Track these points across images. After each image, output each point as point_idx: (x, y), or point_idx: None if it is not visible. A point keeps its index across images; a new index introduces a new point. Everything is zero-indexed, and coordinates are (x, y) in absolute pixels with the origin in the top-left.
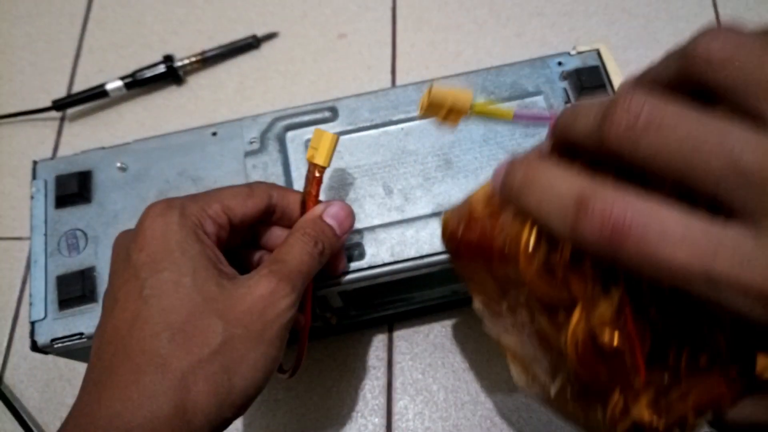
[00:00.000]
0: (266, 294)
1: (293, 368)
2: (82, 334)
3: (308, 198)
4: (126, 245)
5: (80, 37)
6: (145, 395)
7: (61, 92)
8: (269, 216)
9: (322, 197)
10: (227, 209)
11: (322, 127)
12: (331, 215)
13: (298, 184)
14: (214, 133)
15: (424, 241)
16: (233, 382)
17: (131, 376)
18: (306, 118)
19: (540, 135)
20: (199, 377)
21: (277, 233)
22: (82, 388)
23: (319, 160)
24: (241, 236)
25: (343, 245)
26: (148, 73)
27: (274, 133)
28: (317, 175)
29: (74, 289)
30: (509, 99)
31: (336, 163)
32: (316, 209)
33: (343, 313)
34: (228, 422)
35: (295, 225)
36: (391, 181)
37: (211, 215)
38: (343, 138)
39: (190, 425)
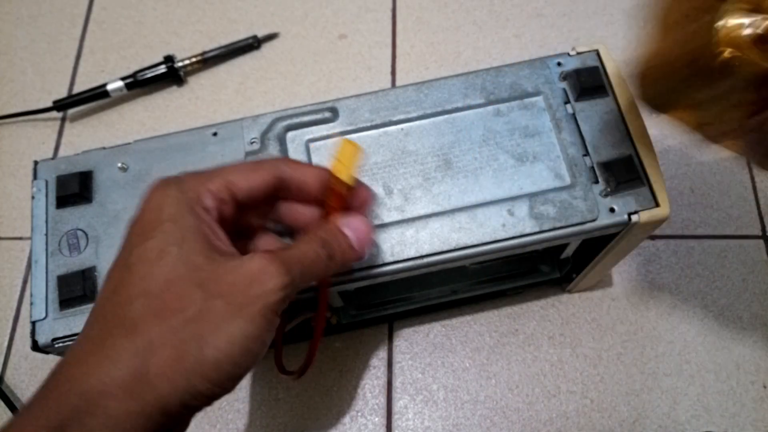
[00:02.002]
0: (255, 270)
1: (301, 370)
2: None
3: (328, 209)
4: (128, 222)
5: (81, 38)
6: (106, 358)
7: (62, 93)
8: (284, 192)
9: None
10: (230, 183)
11: (323, 127)
12: (349, 226)
13: None
14: (215, 134)
15: (424, 241)
16: (204, 352)
17: (99, 340)
18: (306, 118)
19: (540, 135)
20: (167, 343)
21: (297, 209)
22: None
23: (344, 176)
24: (256, 214)
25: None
26: (149, 74)
27: (275, 133)
28: (341, 191)
29: (75, 289)
30: (509, 99)
31: None
32: (335, 219)
33: (343, 312)
34: (202, 396)
35: (310, 227)
36: (391, 181)
37: (212, 189)
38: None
39: (154, 391)
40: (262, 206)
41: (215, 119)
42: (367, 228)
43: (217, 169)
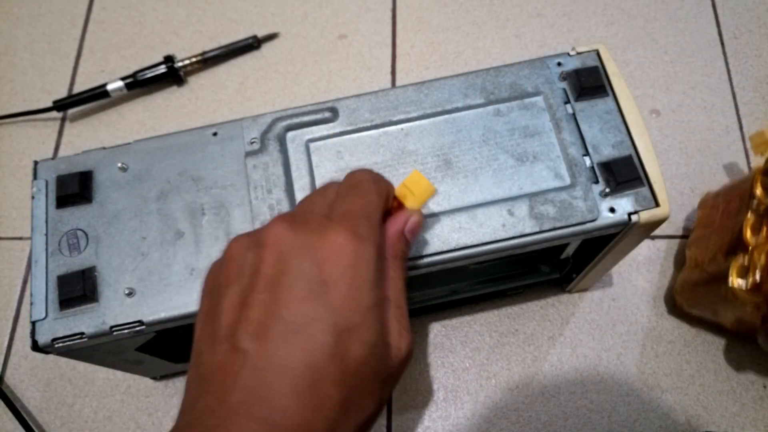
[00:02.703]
0: (404, 356)
1: None
2: (82, 333)
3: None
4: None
5: (81, 38)
6: None
7: (62, 92)
8: None
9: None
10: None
11: (323, 127)
12: (409, 229)
13: (299, 184)
14: (215, 134)
15: (424, 241)
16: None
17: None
18: (306, 118)
19: (540, 135)
20: None
21: None
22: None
23: (409, 203)
24: None
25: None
26: (149, 74)
27: (275, 133)
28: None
29: (75, 289)
30: (508, 100)
31: (336, 164)
32: (398, 222)
33: None
34: None
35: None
36: (391, 181)
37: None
38: (343, 138)
39: None
40: None
41: (215, 119)
42: (420, 224)
43: (366, 198)
